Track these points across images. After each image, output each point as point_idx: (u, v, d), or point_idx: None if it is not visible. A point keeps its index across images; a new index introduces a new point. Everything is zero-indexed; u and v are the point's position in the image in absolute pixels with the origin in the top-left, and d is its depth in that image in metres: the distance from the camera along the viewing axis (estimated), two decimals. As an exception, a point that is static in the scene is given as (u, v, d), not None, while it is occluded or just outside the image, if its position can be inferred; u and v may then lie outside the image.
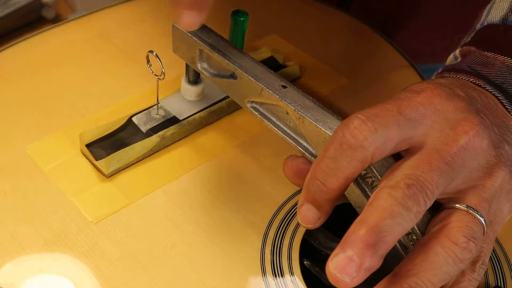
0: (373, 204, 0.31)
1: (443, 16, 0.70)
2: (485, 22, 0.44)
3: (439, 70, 0.43)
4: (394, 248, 0.36)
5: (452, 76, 0.40)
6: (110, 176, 0.44)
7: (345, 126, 0.33)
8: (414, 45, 0.69)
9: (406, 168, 0.32)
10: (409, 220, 0.31)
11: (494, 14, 0.44)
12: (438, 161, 0.32)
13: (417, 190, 0.31)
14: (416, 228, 0.35)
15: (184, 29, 0.42)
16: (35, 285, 0.38)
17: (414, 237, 0.35)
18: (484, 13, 0.45)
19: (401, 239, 0.36)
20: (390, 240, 0.31)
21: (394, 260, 0.37)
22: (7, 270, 0.38)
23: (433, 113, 0.34)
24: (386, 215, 0.31)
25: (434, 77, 0.42)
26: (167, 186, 0.44)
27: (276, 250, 0.41)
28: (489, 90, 0.38)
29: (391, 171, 0.33)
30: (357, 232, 0.30)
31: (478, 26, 0.44)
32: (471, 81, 0.39)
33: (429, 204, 0.32)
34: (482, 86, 0.38)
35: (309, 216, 0.35)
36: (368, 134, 0.32)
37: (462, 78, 0.39)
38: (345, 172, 0.33)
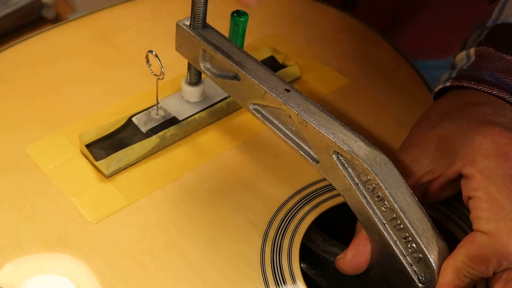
0: None
1: (452, 13, 0.69)
2: (499, 20, 0.43)
3: (454, 75, 0.41)
4: (394, 259, 0.36)
5: (473, 87, 0.39)
6: (110, 176, 0.44)
7: None
8: (420, 41, 0.69)
9: None
10: None
11: (508, 12, 0.42)
12: None
13: None
14: (415, 235, 0.35)
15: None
16: (35, 286, 0.38)
17: (413, 244, 0.35)
18: (496, 10, 0.44)
19: (400, 246, 0.36)
20: None
21: (394, 274, 0.36)
22: (7, 270, 0.38)
23: None
24: None
25: (449, 83, 0.41)
26: (167, 187, 0.44)
27: (276, 250, 0.41)
28: None
29: None
30: None
31: (489, 24, 0.43)
32: (494, 94, 0.38)
33: None
34: (507, 99, 0.38)
35: None
36: None
37: (484, 89, 0.39)
38: None
